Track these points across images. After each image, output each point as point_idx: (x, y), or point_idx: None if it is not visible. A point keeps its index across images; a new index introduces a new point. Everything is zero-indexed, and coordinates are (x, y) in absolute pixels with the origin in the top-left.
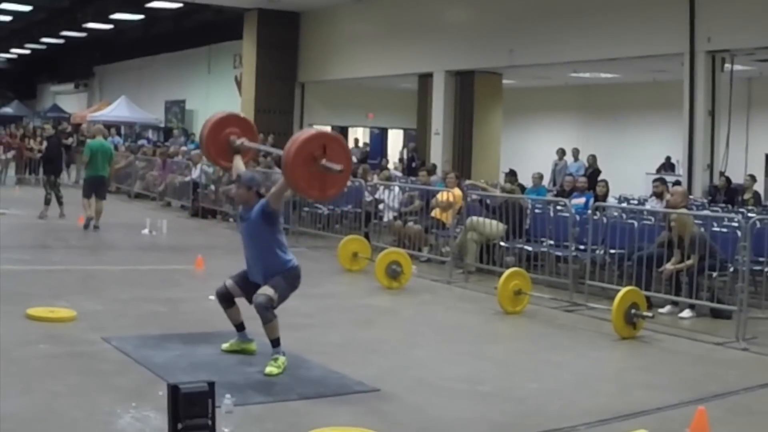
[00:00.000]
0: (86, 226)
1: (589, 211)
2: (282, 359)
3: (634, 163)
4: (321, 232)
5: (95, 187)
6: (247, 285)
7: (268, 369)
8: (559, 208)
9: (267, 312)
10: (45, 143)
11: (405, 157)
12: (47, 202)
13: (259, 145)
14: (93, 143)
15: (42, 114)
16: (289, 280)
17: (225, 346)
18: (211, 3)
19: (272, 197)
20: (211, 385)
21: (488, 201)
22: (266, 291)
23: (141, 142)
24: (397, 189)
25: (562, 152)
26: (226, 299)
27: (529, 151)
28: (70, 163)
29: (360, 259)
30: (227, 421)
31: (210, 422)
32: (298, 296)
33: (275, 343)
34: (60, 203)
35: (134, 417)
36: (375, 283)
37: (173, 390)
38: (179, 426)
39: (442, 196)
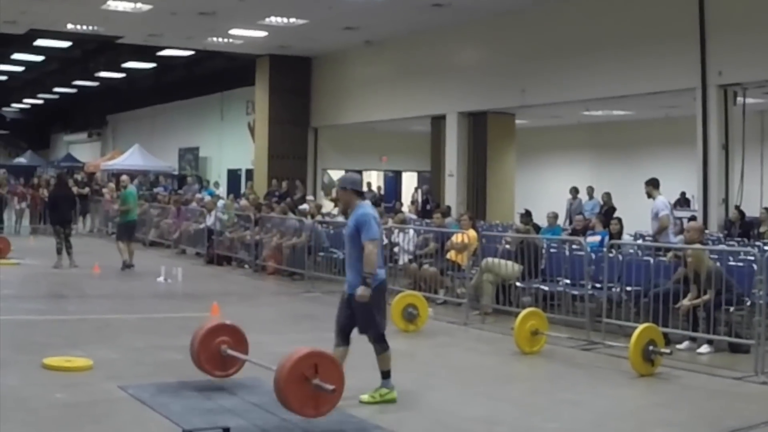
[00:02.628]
0: (125, 268)
1: (605, 249)
2: (384, 391)
3: (648, 199)
4: (336, 276)
5: (131, 231)
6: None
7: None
8: (574, 247)
9: (378, 345)
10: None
11: (419, 199)
12: (58, 251)
13: (248, 358)
14: (131, 191)
15: (56, 163)
16: (374, 299)
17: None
18: (223, 50)
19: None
20: (227, 430)
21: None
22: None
23: (158, 189)
24: (411, 232)
25: (575, 191)
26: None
27: (544, 191)
28: (85, 212)
29: None
30: None
31: None
32: (314, 340)
33: (385, 375)
34: (69, 253)
35: None
36: (391, 326)
37: None
38: None
39: (457, 237)
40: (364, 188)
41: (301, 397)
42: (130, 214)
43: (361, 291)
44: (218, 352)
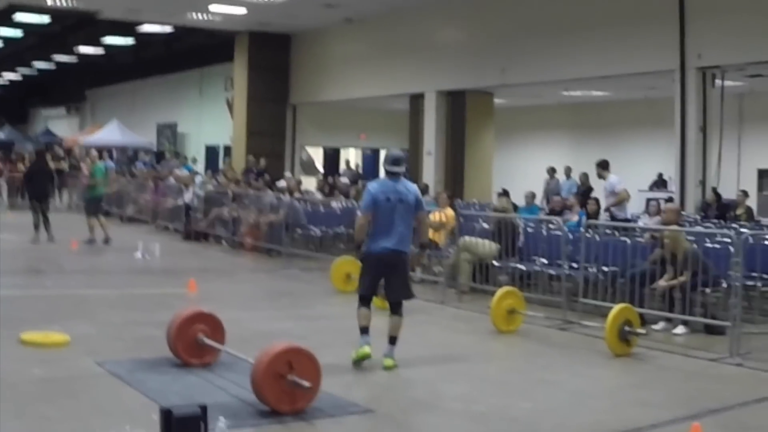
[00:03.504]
0: (101, 242)
1: (582, 229)
2: (360, 351)
3: (626, 180)
4: (314, 253)
5: (98, 205)
6: None
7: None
8: (551, 226)
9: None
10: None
11: None
12: (36, 227)
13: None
14: (99, 166)
15: (34, 139)
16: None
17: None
18: (202, 27)
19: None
20: (204, 408)
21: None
22: None
23: (138, 164)
24: None
25: (552, 171)
26: None
27: (522, 170)
28: (63, 188)
29: (353, 281)
30: None
31: None
32: (290, 318)
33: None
34: (47, 228)
35: None
36: None
37: (166, 414)
38: None
39: (435, 216)
40: (342, 166)
41: (277, 393)
42: (97, 189)
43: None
44: (195, 340)
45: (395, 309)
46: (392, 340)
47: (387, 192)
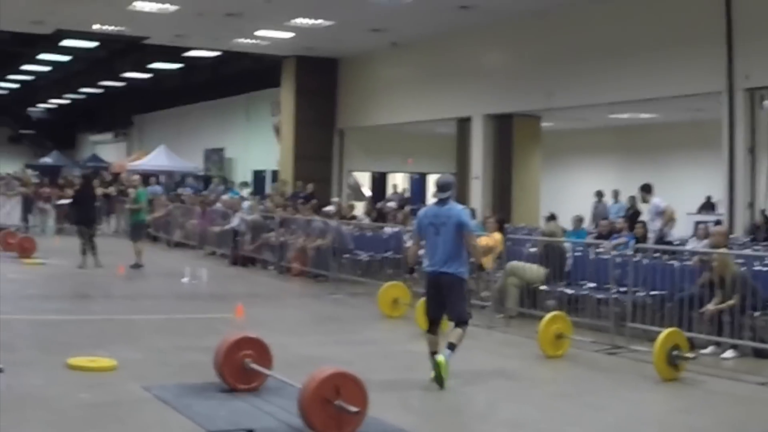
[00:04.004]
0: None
1: (629, 252)
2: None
3: (674, 203)
4: (361, 278)
5: (142, 230)
6: None
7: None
8: (599, 250)
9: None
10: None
11: None
12: (83, 252)
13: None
14: (142, 191)
15: (81, 163)
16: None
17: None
18: (249, 51)
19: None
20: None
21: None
22: None
23: (185, 189)
24: None
25: (600, 194)
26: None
27: (569, 194)
28: (110, 213)
29: (400, 305)
30: None
31: None
32: (338, 342)
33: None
34: (93, 253)
35: None
36: (415, 328)
37: None
38: None
39: (482, 240)
40: (390, 190)
41: (324, 419)
42: (140, 214)
43: None
44: (242, 365)
45: (456, 324)
46: (450, 346)
47: (430, 217)
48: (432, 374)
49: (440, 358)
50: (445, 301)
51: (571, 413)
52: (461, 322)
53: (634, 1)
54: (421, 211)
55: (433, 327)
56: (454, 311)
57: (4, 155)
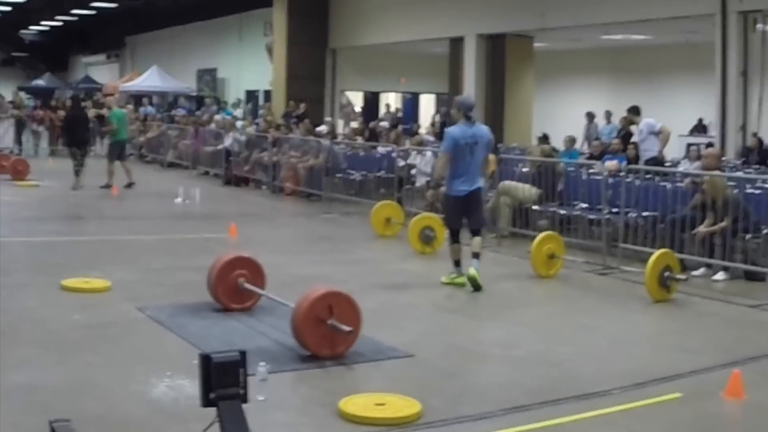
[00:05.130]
0: (123, 187)
1: (622, 173)
2: (453, 276)
3: (666, 125)
4: (354, 198)
5: (119, 150)
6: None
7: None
8: (591, 171)
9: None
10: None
11: (437, 121)
12: (76, 173)
13: (264, 293)
14: (118, 111)
15: (74, 85)
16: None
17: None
18: None
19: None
20: (243, 354)
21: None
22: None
23: (178, 110)
24: (429, 154)
25: (591, 116)
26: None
27: (561, 115)
28: (103, 134)
29: (393, 225)
30: (261, 388)
31: (242, 391)
32: (330, 263)
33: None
34: (77, 174)
35: (169, 386)
36: (408, 248)
37: (205, 359)
38: (211, 395)
39: None
40: (382, 110)
41: (318, 338)
42: (116, 135)
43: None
44: (235, 285)
45: (476, 233)
46: (476, 255)
47: (466, 136)
48: (445, 279)
49: (473, 271)
50: (471, 213)
51: (564, 333)
52: (481, 229)
53: None
54: (456, 131)
55: (456, 236)
56: (479, 221)
57: None
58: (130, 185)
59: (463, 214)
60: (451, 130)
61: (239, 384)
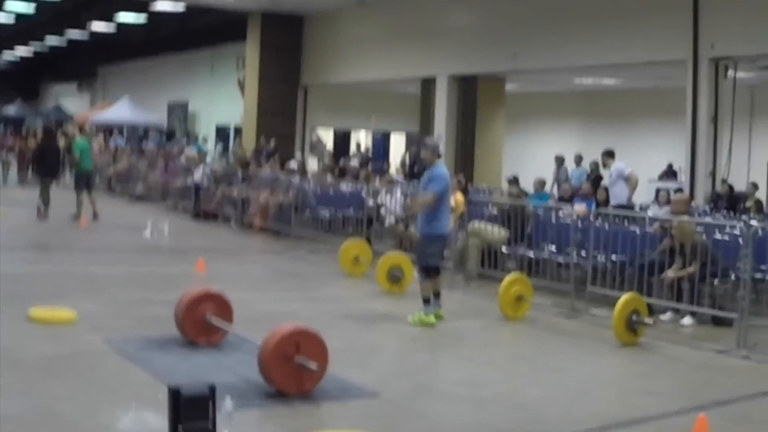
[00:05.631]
0: (74, 219)
1: (591, 218)
2: (419, 315)
3: (635, 169)
4: (323, 235)
5: (88, 180)
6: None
7: (410, 317)
8: (560, 214)
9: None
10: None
11: (407, 161)
12: (46, 203)
13: (231, 328)
14: (80, 142)
15: (45, 114)
16: (434, 242)
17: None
18: (215, 6)
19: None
20: (213, 388)
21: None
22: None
23: (147, 144)
24: (398, 193)
25: (560, 160)
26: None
27: (532, 157)
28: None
29: (361, 263)
30: (227, 423)
31: (210, 425)
32: (298, 300)
33: (424, 301)
34: (45, 203)
35: (134, 419)
36: (376, 287)
37: (174, 393)
38: (179, 428)
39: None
40: (353, 149)
41: (285, 375)
42: (81, 165)
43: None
44: (203, 319)
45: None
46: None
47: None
48: (431, 319)
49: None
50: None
51: (531, 375)
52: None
53: None
54: (446, 171)
55: (434, 273)
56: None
57: None
58: (94, 217)
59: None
60: (443, 172)
61: (208, 418)
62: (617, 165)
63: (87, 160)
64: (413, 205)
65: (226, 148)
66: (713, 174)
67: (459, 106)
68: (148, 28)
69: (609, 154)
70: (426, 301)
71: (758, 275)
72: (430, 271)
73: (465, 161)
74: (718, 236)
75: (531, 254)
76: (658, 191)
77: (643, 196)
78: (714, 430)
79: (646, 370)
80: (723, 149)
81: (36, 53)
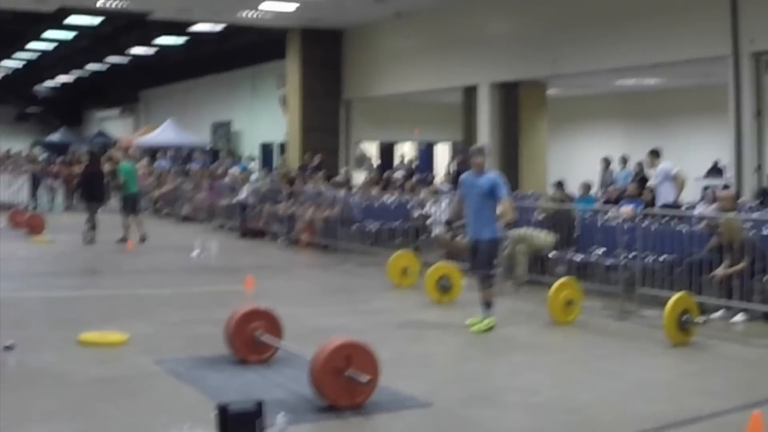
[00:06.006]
0: (120, 241)
1: (638, 219)
2: (486, 321)
3: (681, 168)
4: (370, 248)
5: (134, 203)
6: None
7: (476, 327)
8: (607, 216)
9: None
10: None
11: (452, 170)
12: (93, 228)
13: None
14: (125, 165)
15: (89, 140)
16: (496, 249)
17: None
18: (253, 25)
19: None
20: (260, 404)
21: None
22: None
23: (193, 164)
24: (445, 203)
25: (607, 162)
26: None
27: (577, 161)
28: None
29: (410, 275)
30: None
31: None
32: (348, 313)
33: (487, 306)
34: (92, 228)
35: None
36: (425, 297)
37: (222, 410)
38: None
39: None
40: (397, 160)
41: (336, 389)
42: (127, 188)
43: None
44: (252, 337)
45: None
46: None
47: None
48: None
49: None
50: None
51: (583, 379)
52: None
53: None
54: None
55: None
56: None
57: (11, 134)
58: (142, 240)
59: None
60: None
61: None
62: (663, 165)
63: (132, 184)
64: (508, 214)
65: (270, 166)
66: (759, 169)
67: (501, 113)
68: (187, 49)
69: (655, 154)
70: (490, 305)
71: None
72: (492, 276)
73: (509, 167)
74: (766, 232)
75: (579, 258)
76: (704, 189)
77: (690, 194)
78: None
79: (698, 370)
80: None
81: (77, 79)
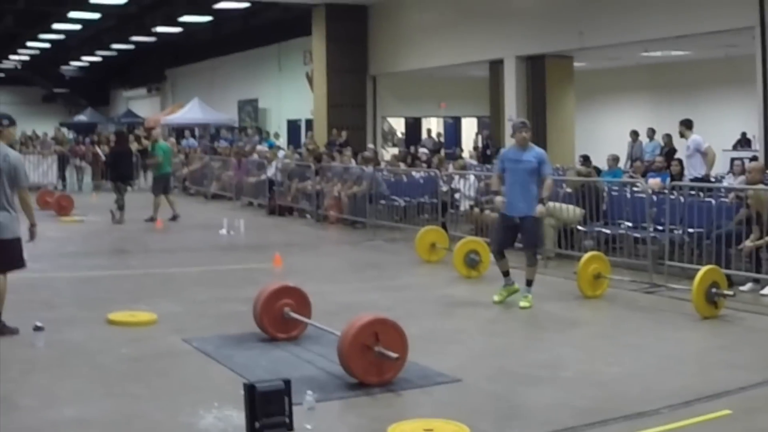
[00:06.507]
0: (168, 220)
1: (666, 191)
2: (529, 297)
3: (709, 140)
4: (398, 224)
5: (166, 183)
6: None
7: (522, 303)
8: (635, 189)
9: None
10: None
11: (479, 144)
12: (121, 207)
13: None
14: (163, 144)
15: (116, 120)
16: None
17: (496, 298)
18: (278, 1)
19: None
20: (287, 383)
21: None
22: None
23: (220, 142)
24: (472, 177)
25: (635, 134)
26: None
27: (604, 134)
28: (146, 168)
29: (438, 250)
30: (309, 417)
31: (287, 420)
32: (376, 289)
33: (529, 283)
34: (120, 208)
35: (216, 417)
36: (454, 272)
37: (249, 389)
38: (257, 425)
39: None
40: (424, 135)
41: (365, 366)
42: (161, 168)
43: (540, 209)
44: (281, 314)
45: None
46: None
47: None
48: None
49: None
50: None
51: (612, 353)
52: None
53: None
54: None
55: None
56: None
57: (38, 115)
58: (174, 218)
59: None
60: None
61: (284, 413)
62: (695, 137)
63: (168, 163)
64: (549, 191)
65: (297, 143)
66: None
67: (528, 86)
68: (213, 27)
69: (686, 124)
70: (532, 283)
71: None
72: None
73: (537, 141)
74: None
75: (607, 231)
76: (732, 161)
77: (718, 166)
78: None
79: (727, 343)
80: None
81: (103, 59)
